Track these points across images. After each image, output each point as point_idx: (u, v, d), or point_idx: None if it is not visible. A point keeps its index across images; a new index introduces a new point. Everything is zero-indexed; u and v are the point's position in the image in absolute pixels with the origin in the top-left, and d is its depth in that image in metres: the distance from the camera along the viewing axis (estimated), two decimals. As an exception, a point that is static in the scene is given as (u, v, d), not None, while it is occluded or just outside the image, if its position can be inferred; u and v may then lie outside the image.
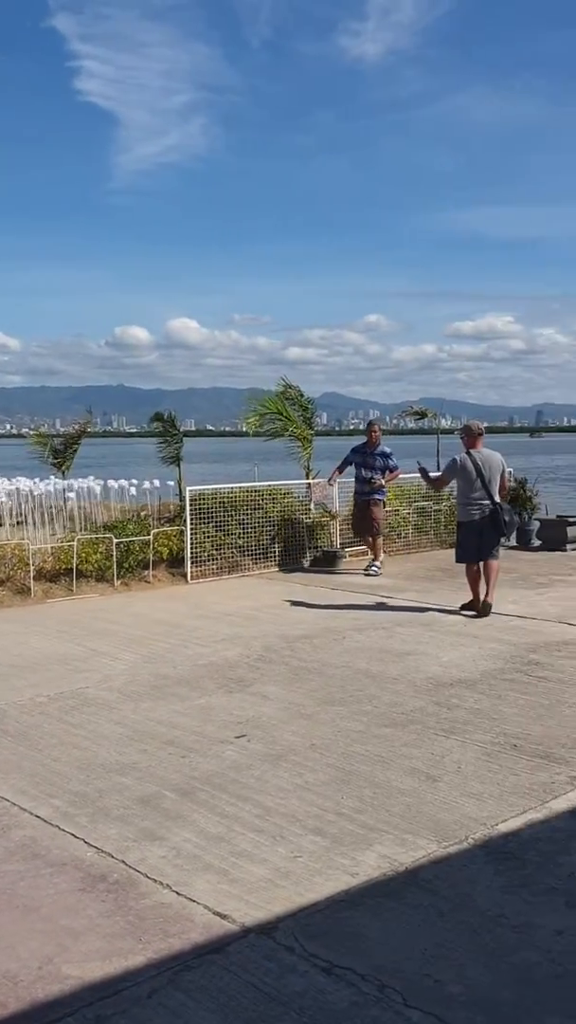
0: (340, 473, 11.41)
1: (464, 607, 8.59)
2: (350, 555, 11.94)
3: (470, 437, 8.71)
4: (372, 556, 11.23)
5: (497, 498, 8.51)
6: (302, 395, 14.33)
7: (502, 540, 8.84)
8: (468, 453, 8.58)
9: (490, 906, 3.33)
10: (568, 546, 12.57)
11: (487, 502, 8.46)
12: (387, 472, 11.13)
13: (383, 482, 11.08)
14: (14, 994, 2.85)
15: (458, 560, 8.74)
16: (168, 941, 3.14)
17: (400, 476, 11.58)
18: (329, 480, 11.67)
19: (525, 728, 5.28)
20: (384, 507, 11.39)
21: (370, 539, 11.20)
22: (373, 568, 10.96)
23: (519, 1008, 2.76)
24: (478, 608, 8.41)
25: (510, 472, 11.28)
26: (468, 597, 8.58)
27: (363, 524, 11.18)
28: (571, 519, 12.98)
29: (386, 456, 11.15)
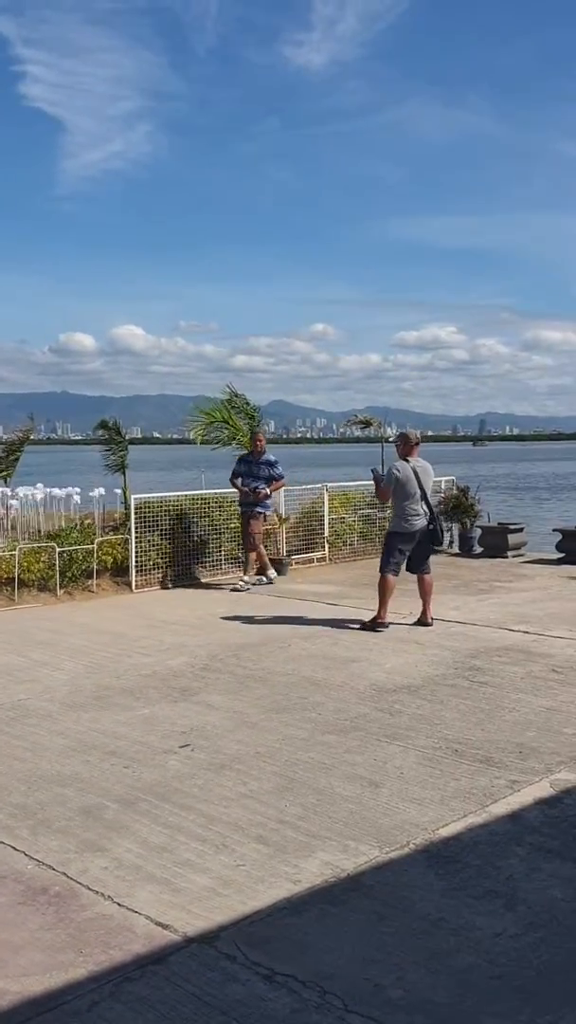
0: (241, 487, 10.90)
1: (368, 625, 8.25)
2: (296, 563, 11.98)
3: (407, 446, 8.49)
4: (242, 570, 10.89)
5: (433, 509, 8.46)
6: (248, 403, 14.34)
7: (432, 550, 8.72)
8: (406, 462, 8.40)
9: (430, 910, 3.38)
10: (509, 553, 12.76)
11: (426, 512, 8.35)
12: (272, 481, 10.88)
13: (267, 492, 10.83)
14: (-49, 1011, 2.81)
15: (387, 571, 8.29)
16: (109, 953, 3.12)
17: (284, 483, 11.38)
18: (254, 492, 10.99)
19: (466, 733, 5.36)
20: (265, 519, 11.07)
21: (252, 553, 10.84)
22: (240, 583, 10.59)
23: (458, 1010, 2.80)
24: (385, 623, 8.18)
25: (452, 480, 11.37)
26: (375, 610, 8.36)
27: (242, 537, 10.91)
28: (512, 527, 13.19)
29: (271, 464, 10.92)
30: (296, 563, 12.00)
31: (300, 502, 12.77)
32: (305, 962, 3.04)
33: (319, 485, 12.96)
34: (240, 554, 11.27)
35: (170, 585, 10.87)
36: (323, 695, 6.18)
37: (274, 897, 3.48)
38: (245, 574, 10.78)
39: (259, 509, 10.81)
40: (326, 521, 12.59)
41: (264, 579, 10.97)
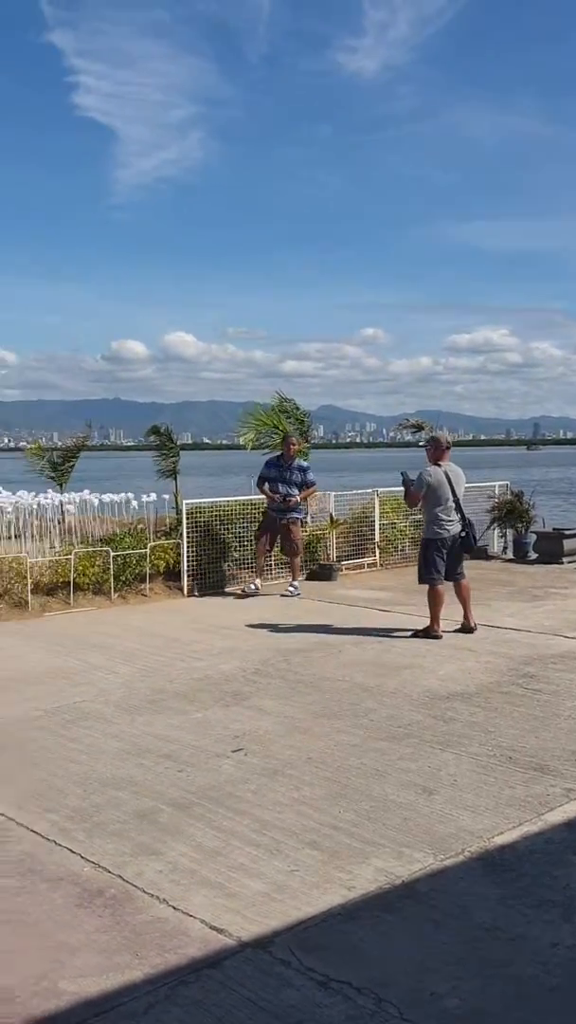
0: (271, 493, 10.63)
1: (420, 634, 8.12)
2: (346, 568, 11.95)
3: (438, 450, 8.33)
4: (290, 576, 10.83)
5: (466, 514, 8.31)
6: (298, 408, 14.37)
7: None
8: (438, 466, 8.24)
9: (486, 918, 3.34)
10: (564, 559, 12.59)
11: (459, 518, 8.20)
12: (304, 488, 10.76)
13: (299, 499, 10.70)
14: (10, 1010, 2.85)
15: (426, 581, 8.17)
16: (165, 956, 3.14)
17: (316, 490, 11.24)
18: (285, 499, 10.64)
19: (520, 741, 5.30)
20: (303, 526, 11.04)
21: (296, 558, 10.82)
22: (290, 589, 10.53)
23: (514, 1020, 2.77)
24: (439, 634, 8.06)
25: (506, 485, 11.20)
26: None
27: (284, 545, 10.80)
28: (567, 532, 13.00)
29: (304, 471, 10.80)
30: (346, 569, 11.97)
31: (350, 507, 12.75)
32: (360, 969, 3.03)
33: (370, 490, 12.92)
34: (251, 559, 11.16)
35: (221, 589, 10.92)
36: (375, 701, 6.16)
37: (328, 903, 3.48)
38: (294, 579, 10.76)
39: (296, 515, 10.74)
40: (377, 526, 12.54)
41: (292, 588, 10.65)
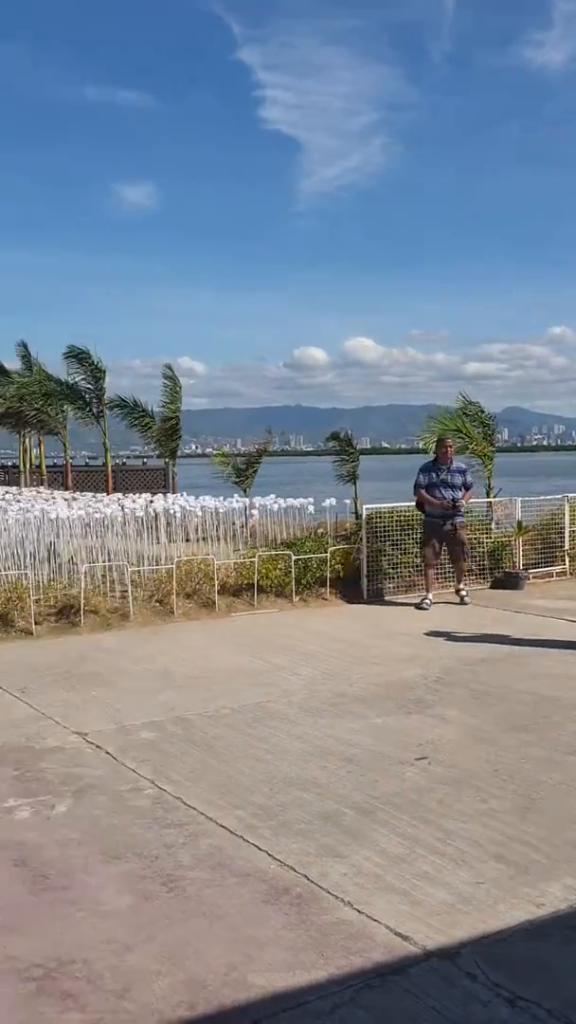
0: (439, 500, 10.27)
1: None
2: (533, 577, 11.60)
3: None
4: (458, 582, 10.55)
5: None
6: (482, 411, 14.11)
7: None
8: None
9: None
10: None
11: None
12: (466, 490, 10.45)
13: (464, 502, 10.41)
14: (203, 997, 2.95)
15: None
16: (350, 958, 3.16)
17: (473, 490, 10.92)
18: (454, 503, 10.30)
19: None
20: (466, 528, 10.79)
21: (464, 563, 10.59)
22: (463, 593, 10.38)
23: None
24: None
25: None
26: None
27: (452, 550, 10.47)
28: None
29: (464, 472, 10.53)
30: (533, 577, 11.62)
31: (538, 513, 12.36)
32: (550, 990, 2.94)
33: (559, 496, 12.49)
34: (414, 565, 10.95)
35: (399, 595, 10.86)
36: (564, 715, 5.95)
37: (516, 919, 3.39)
38: (460, 582, 10.54)
39: (460, 519, 10.46)
40: (567, 533, 12.11)
41: (465, 594, 10.48)
